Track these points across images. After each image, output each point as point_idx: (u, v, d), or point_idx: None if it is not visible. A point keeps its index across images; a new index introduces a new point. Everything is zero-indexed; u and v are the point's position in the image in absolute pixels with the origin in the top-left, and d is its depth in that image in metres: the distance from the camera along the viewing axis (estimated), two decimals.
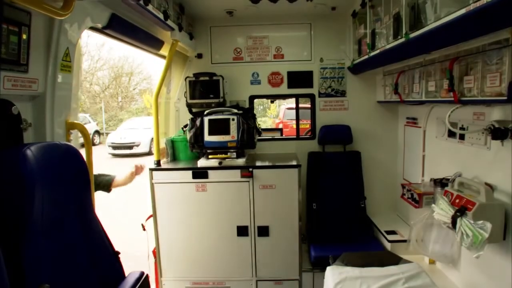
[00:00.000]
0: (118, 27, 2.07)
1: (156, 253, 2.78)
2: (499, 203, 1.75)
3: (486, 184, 1.88)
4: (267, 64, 3.28)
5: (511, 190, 1.74)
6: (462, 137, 2.11)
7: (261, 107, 18.68)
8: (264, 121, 15.62)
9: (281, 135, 4.23)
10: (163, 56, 2.93)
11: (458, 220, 1.74)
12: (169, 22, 2.37)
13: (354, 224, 3.07)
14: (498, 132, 1.62)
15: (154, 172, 2.68)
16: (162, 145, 3.01)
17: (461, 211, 1.77)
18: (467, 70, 1.74)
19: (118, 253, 1.65)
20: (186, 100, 3.08)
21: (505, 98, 1.47)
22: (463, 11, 1.36)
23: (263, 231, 2.69)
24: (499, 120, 1.71)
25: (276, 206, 2.66)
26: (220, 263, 2.76)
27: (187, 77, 3.07)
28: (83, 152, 1.58)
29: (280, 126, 10.31)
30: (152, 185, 2.68)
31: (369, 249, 2.74)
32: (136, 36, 2.32)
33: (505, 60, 1.48)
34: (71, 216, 1.34)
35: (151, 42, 2.55)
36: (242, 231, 2.70)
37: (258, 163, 2.72)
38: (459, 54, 1.79)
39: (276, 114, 15.87)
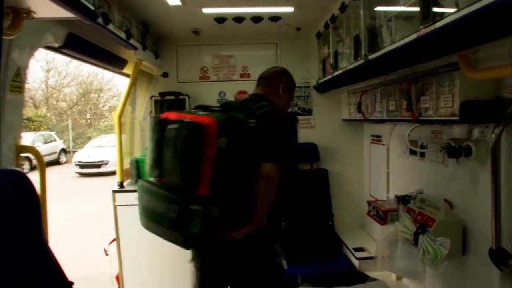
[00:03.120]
0: (76, 46, 2.01)
1: (119, 279, 2.65)
2: (457, 219, 1.79)
3: (445, 200, 1.93)
4: (234, 83, 3.29)
5: (467, 206, 1.79)
6: (422, 154, 2.18)
7: None
8: None
9: None
10: (127, 75, 2.87)
11: (420, 237, 1.77)
12: (132, 41, 2.33)
13: (322, 241, 3.06)
14: (453, 151, 1.67)
15: (117, 194, 2.58)
16: (127, 165, 2.92)
17: (422, 228, 1.80)
18: (424, 91, 1.81)
19: (71, 284, 1.55)
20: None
21: (457, 118, 1.53)
22: (414, 35, 1.41)
23: None
24: (454, 138, 1.77)
25: None
26: (189, 285, 2.65)
27: (153, 96, 3.02)
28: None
29: None
30: (115, 207, 2.58)
31: (338, 267, 2.73)
32: (96, 55, 2.26)
33: (456, 82, 1.55)
34: (13, 249, 1.25)
35: (113, 61, 2.49)
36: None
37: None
38: (416, 75, 1.85)
39: None
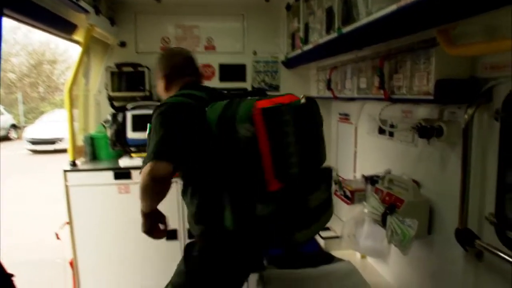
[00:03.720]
0: (16, 6, 1.74)
1: (73, 264, 2.47)
2: (425, 199, 1.78)
3: (413, 180, 1.91)
4: (197, 56, 3.06)
5: (435, 186, 1.79)
6: (391, 134, 2.14)
7: None
8: None
9: None
10: (79, 42, 2.59)
11: (388, 217, 1.75)
12: (82, 3, 2.07)
13: None
14: (424, 131, 1.63)
15: (68, 174, 2.37)
16: (81, 142, 2.68)
17: (390, 208, 1.78)
18: (397, 68, 1.74)
19: (11, 276, 1.38)
20: (108, 93, 2.77)
21: (432, 97, 1.48)
22: (394, 7, 1.32)
23: None
24: (425, 119, 1.74)
25: None
26: (149, 270, 2.54)
27: (108, 67, 2.77)
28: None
29: None
30: (66, 188, 2.37)
31: (305, 247, 2.71)
32: (40, 17, 1.98)
33: (432, 60, 1.48)
34: None
35: (60, 25, 2.21)
36: (171, 234, 2.51)
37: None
38: (390, 52, 1.78)
39: None
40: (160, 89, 1.83)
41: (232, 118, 1.37)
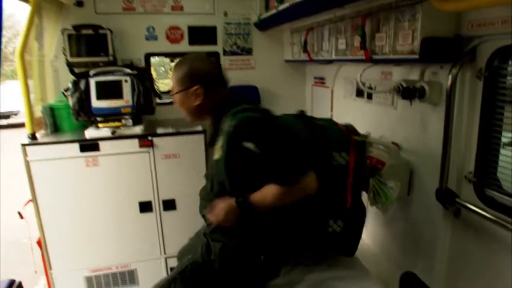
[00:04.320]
0: None
1: (41, 243, 2.33)
2: (405, 161, 1.80)
3: (393, 143, 1.92)
4: (164, 17, 2.86)
5: (415, 148, 1.80)
6: (370, 96, 2.12)
7: (163, 68, 17.50)
8: (167, 84, 14.72)
9: None
10: (28, 1, 2.30)
11: (370, 180, 1.74)
12: None
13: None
14: (407, 92, 1.60)
15: (28, 148, 2.17)
16: (39, 114, 2.45)
17: (372, 171, 1.77)
18: (379, 27, 1.67)
19: None
20: (66, 58, 2.52)
21: (417, 57, 1.44)
22: None
23: (169, 205, 2.44)
24: (407, 80, 1.71)
25: (182, 177, 2.40)
26: (123, 245, 2.45)
27: (65, 29, 2.50)
28: None
29: None
30: (27, 164, 2.18)
31: None
32: None
33: (418, 16, 1.43)
34: None
35: None
36: (145, 207, 2.41)
37: (159, 131, 2.39)
38: (371, 10, 1.70)
39: None
40: (188, 105, 1.46)
41: (325, 142, 1.51)
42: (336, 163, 1.50)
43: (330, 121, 1.67)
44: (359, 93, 2.22)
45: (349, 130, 1.59)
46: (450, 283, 1.65)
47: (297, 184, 1.30)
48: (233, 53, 3.02)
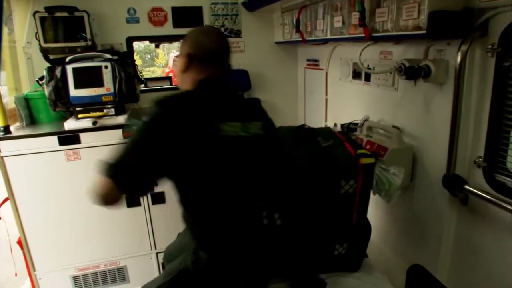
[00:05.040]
0: None
1: (22, 243, 2.19)
2: (408, 146, 1.69)
3: (394, 126, 1.81)
4: None
5: (418, 131, 1.69)
6: (368, 78, 2.00)
7: (148, 56, 17.07)
8: (153, 71, 14.39)
9: (171, 84, 3.73)
10: None
11: None
12: None
13: None
14: (411, 71, 1.49)
15: (1, 143, 2.00)
16: (12, 105, 2.27)
17: (374, 157, 1.67)
18: (380, 2, 1.54)
19: None
20: (40, 44, 2.33)
21: (424, 32, 1.31)
22: None
23: (158, 197, 2.31)
24: (409, 59, 1.59)
25: None
26: (111, 241, 2.32)
27: (37, 11, 2.30)
28: None
29: (170, 75, 9.50)
30: (1, 159, 2.02)
31: None
32: None
33: None
34: None
35: None
36: (132, 201, 2.27)
37: (144, 119, 2.23)
38: None
39: (165, 63, 14.68)
40: (177, 69, 1.38)
41: (331, 170, 1.41)
42: (343, 192, 1.44)
43: (336, 141, 1.58)
44: (356, 75, 2.10)
45: (354, 146, 1.53)
46: (456, 274, 1.58)
47: (106, 177, 1.13)
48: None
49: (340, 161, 1.44)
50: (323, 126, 2.56)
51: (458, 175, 1.44)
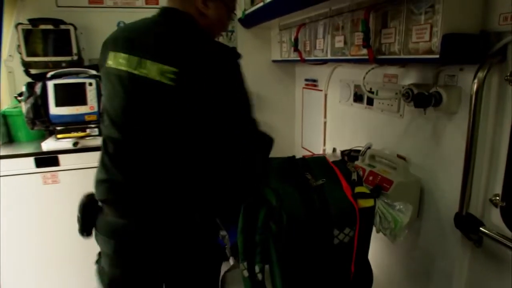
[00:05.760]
0: None
1: None
2: (416, 179, 1.54)
3: (398, 156, 1.66)
4: (137, 11, 2.55)
5: (425, 163, 1.54)
6: (370, 102, 1.86)
7: None
8: None
9: None
10: None
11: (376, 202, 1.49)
12: None
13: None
14: (421, 99, 1.35)
15: None
16: None
17: (376, 190, 1.52)
18: (386, 22, 1.42)
19: None
20: (22, 58, 2.19)
21: (437, 56, 1.18)
22: None
23: None
24: (417, 84, 1.46)
25: None
26: (91, 270, 2.13)
27: (19, 23, 2.17)
28: None
29: None
30: None
31: None
32: None
33: (439, 8, 1.17)
34: None
35: None
36: None
37: None
38: (377, 1, 1.44)
39: None
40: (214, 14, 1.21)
41: (325, 220, 1.15)
42: (337, 242, 1.17)
43: (330, 176, 1.31)
44: (358, 97, 1.97)
45: (351, 182, 1.29)
46: None
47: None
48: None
49: (333, 206, 1.16)
50: (321, 150, 2.42)
51: (473, 215, 1.29)
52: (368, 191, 1.28)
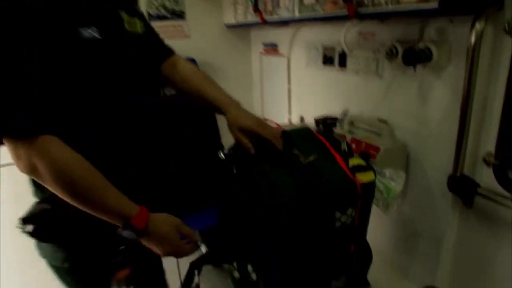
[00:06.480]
0: None
1: None
2: (403, 143, 1.46)
3: (379, 120, 1.57)
4: None
5: (410, 125, 1.46)
6: (343, 63, 1.73)
7: None
8: None
9: None
10: None
11: None
12: None
13: (211, 177, 2.54)
14: (412, 55, 1.24)
15: None
16: None
17: (364, 159, 1.41)
18: None
19: None
20: None
21: (436, 6, 1.06)
22: None
23: None
24: (400, 40, 1.34)
25: None
26: None
27: None
28: None
29: None
30: None
31: None
32: None
33: None
34: None
35: None
36: None
37: None
38: None
39: None
40: None
41: (322, 201, 0.99)
42: (339, 225, 1.04)
43: (321, 150, 1.13)
44: (327, 60, 1.82)
45: (342, 153, 1.13)
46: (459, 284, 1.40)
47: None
48: (160, 18, 2.39)
49: (331, 185, 1.00)
50: (286, 120, 2.27)
51: (468, 177, 1.24)
52: (364, 163, 1.15)
